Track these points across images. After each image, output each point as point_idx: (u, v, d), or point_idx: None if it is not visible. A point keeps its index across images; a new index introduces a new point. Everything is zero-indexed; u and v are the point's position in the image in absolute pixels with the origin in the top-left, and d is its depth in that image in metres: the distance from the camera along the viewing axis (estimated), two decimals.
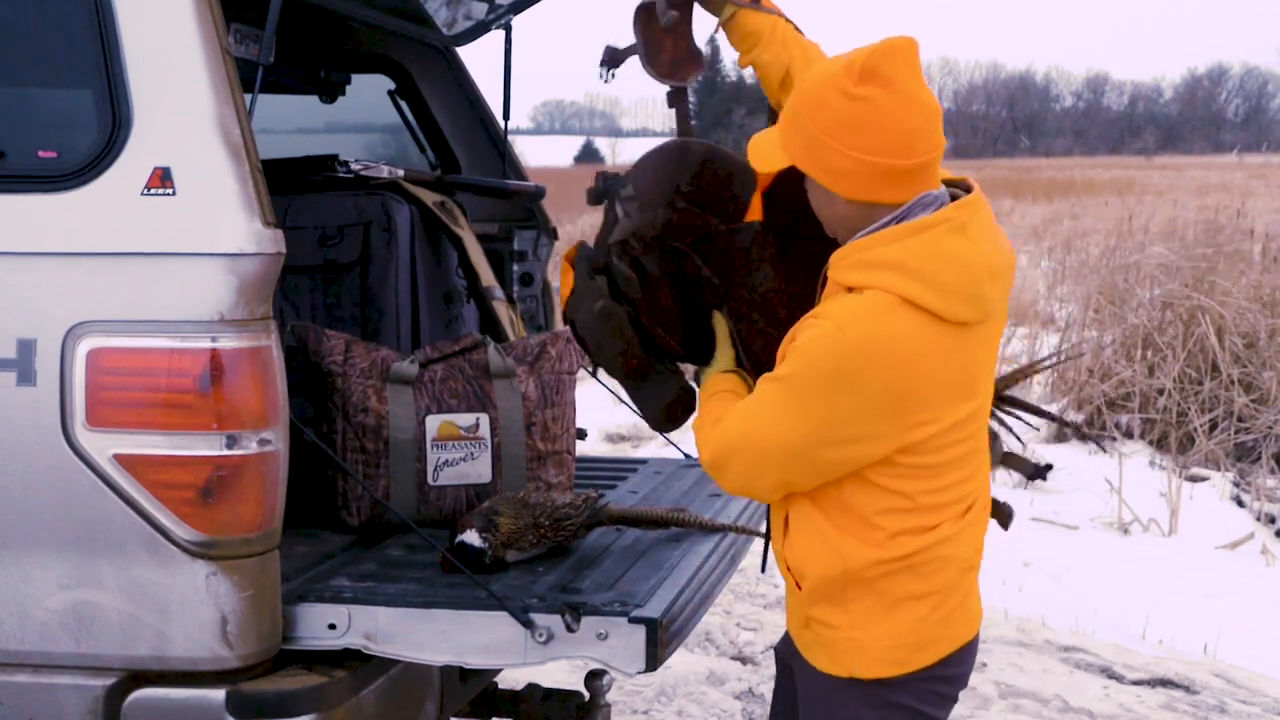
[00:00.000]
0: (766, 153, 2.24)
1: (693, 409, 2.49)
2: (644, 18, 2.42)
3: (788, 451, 2.17)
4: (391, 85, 4.03)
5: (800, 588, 2.27)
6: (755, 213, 2.45)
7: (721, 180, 2.42)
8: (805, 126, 2.14)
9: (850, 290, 2.16)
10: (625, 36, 2.57)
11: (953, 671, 2.28)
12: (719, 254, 2.43)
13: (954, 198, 2.20)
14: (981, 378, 2.22)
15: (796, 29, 2.59)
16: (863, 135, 2.08)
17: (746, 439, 2.20)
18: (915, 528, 2.19)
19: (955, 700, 2.32)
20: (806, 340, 2.13)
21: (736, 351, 2.43)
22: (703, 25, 2.53)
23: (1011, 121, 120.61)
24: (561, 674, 4.10)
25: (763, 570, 2.64)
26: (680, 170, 2.40)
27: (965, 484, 2.23)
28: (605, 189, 2.32)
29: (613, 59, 2.54)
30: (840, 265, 2.18)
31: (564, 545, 2.80)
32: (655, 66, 2.49)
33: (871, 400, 2.09)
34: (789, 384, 2.14)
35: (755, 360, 2.41)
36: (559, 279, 2.48)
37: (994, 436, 2.50)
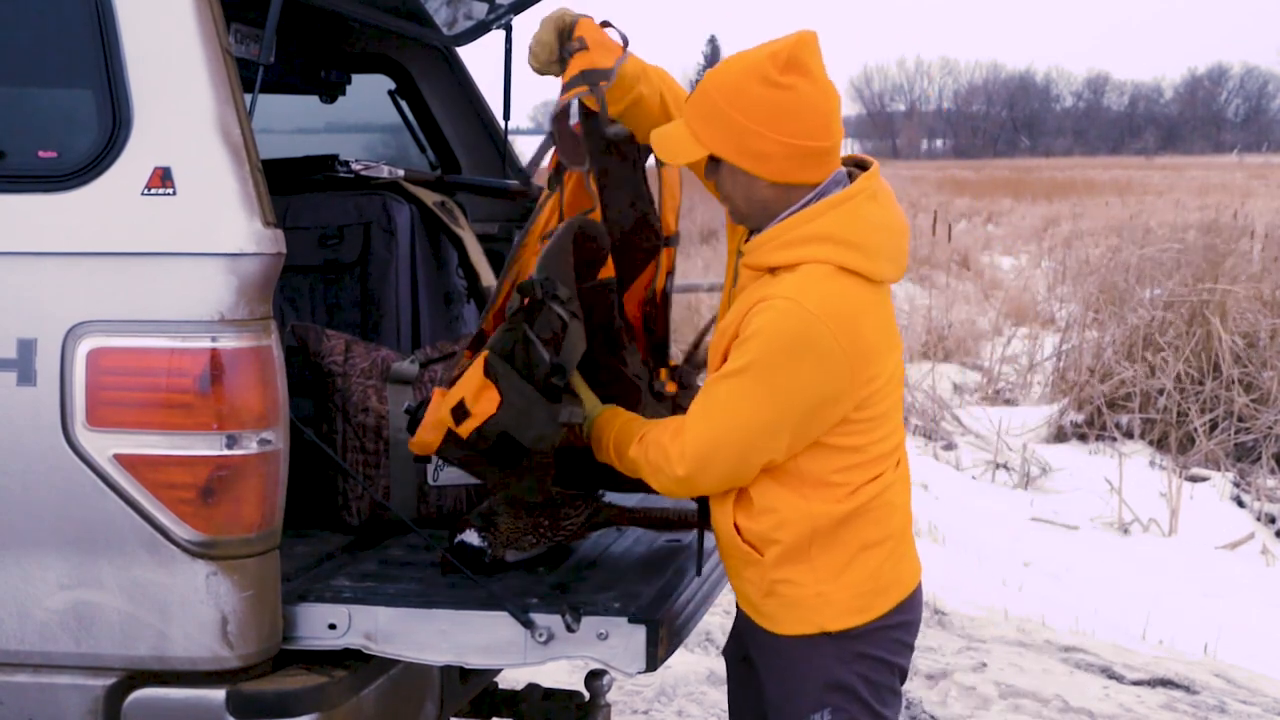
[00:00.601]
0: (677, 148, 2.37)
1: None
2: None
3: (767, 433, 2.27)
4: (391, 85, 4.03)
5: (764, 555, 2.34)
6: (609, 269, 2.68)
7: (589, 249, 2.61)
8: (726, 116, 2.28)
9: (774, 270, 2.30)
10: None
11: (908, 617, 2.43)
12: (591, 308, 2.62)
13: (850, 175, 2.37)
14: (895, 329, 2.41)
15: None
16: (788, 120, 2.26)
17: (721, 438, 2.28)
18: (867, 479, 2.34)
19: (912, 648, 2.47)
20: (764, 323, 2.23)
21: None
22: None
23: (1011, 121, 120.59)
24: (561, 674, 4.10)
25: (698, 573, 2.65)
26: (570, 249, 2.56)
27: (896, 433, 2.41)
28: (542, 297, 2.42)
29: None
30: (766, 248, 2.32)
31: (564, 545, 2.80)
32: (569, 157, 2.59)
33: (835, 363, 2.23)
34: (753, 370, 2.24)
35: (625, 394, 2.65)
36: (470, 388, 2.45)
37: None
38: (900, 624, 2.40)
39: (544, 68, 2.57)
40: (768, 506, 2.33)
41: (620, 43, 2.58)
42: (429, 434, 2.51)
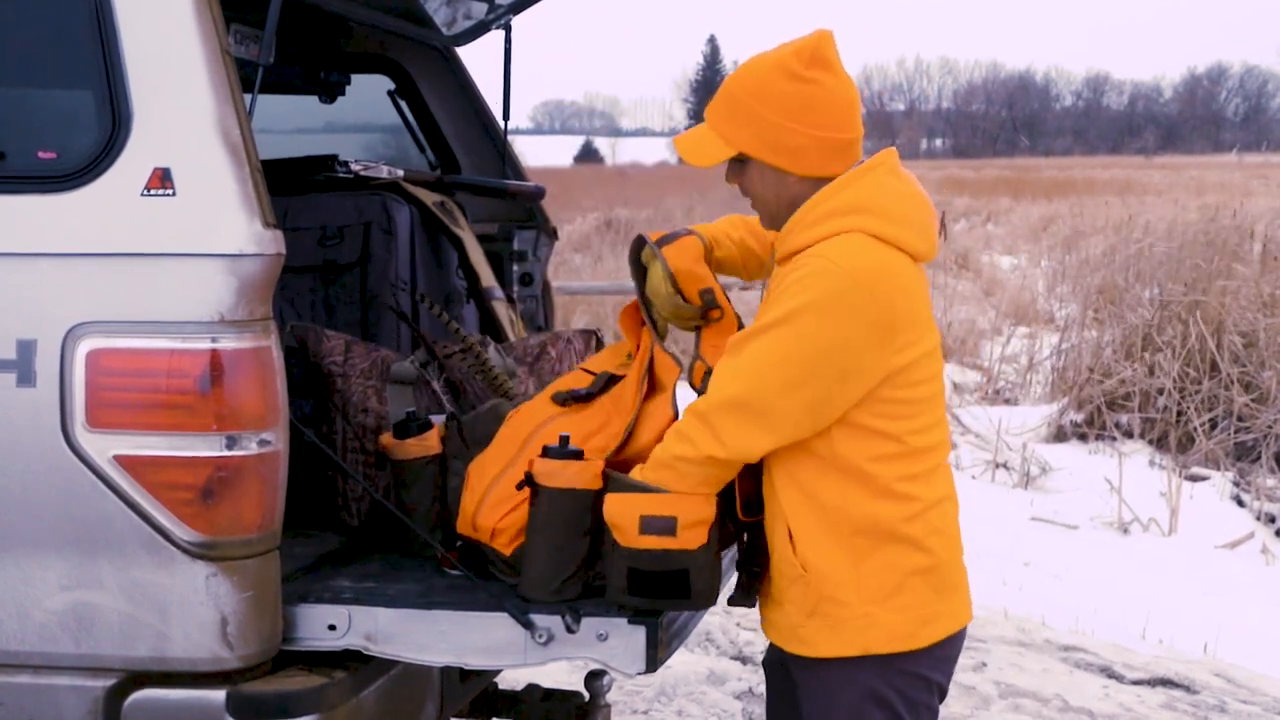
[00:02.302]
0: (703, 149, 2.38)
1: None
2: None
3: (794, 388, 2.21)
4: (391, 85, 4.03)
5: (808, 570, 2.30)
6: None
7: None
8: (754, 113, 2.31)
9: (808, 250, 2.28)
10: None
11: (952, 651, 2.39)
12: None
13: None
14: (930, 315, 2.38)
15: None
16: (815, 113, 2.30)
17: (749, 391, 2.23)
18: (904, 474, 2.29)
19: (953, 669, 2.43)
20: (796, 279, 2.22)
21: None
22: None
23: (1011, 121, 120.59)
24: (561, 674, 4.10)
25: (751, 604, 2.54)
26: None
27: (935, 432, 2.36)
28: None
29: None
30: (795, 230, 2.32)
31: None
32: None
33: (865, 324, 2.21)
34: (785, 323, 2.21)
35: None
36: (691, 511, 2.30)
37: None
38: (944, 657, 2.37)
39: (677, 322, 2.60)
40: (805, 528, 2.29)
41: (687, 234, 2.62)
42: (571, 478, 2.39)
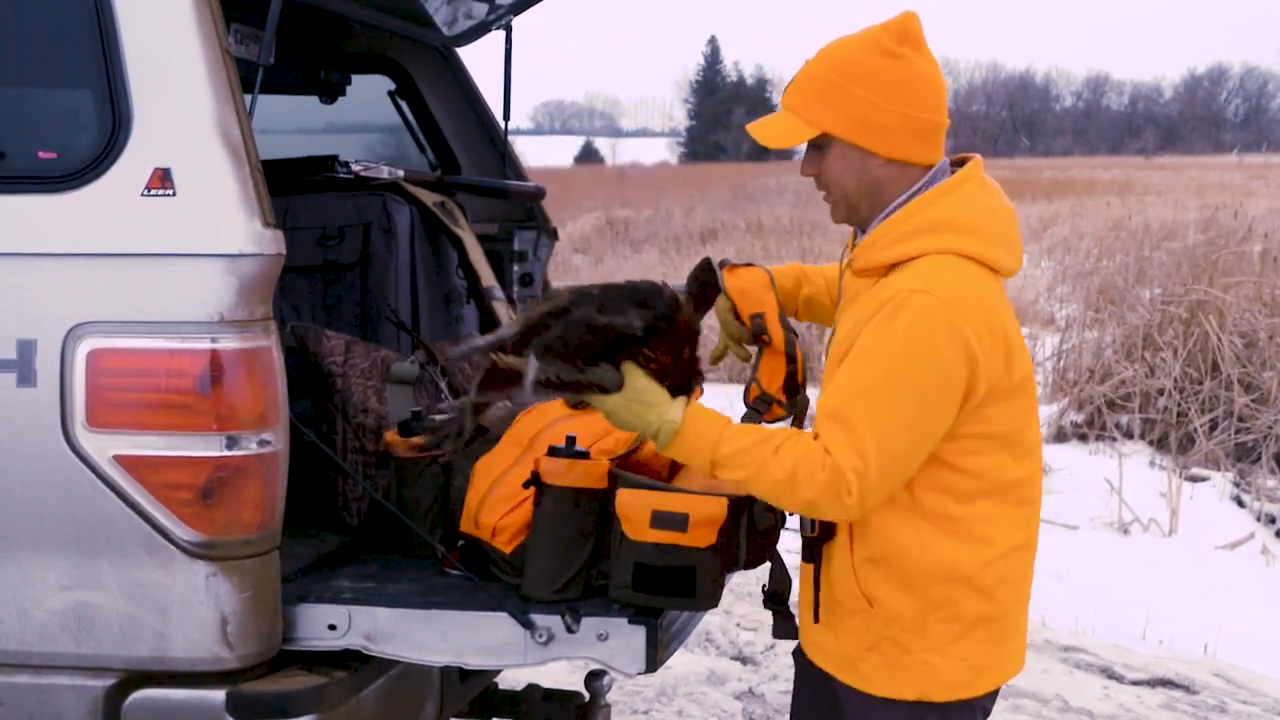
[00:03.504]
0: (783, 133, 2.26)
1: None
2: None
3: (927, 432, 2.13)
4: (391, 85, 4.03)
5: (873, 606, 2.23)
6: None
7: None
8: (842, 90, 2.20)
9: (893, 267, 2.20)
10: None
11: (991, 703, 2.34)
12: None
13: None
14: (1021, 339, 2.25)
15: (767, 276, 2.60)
16: (907, 91, 2.20)
17: (888, 447, 2.10)
18: (986, 514, 2.21)
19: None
20: (900, 323, 2.11)
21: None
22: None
23: (1011, 121, 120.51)
24: (561, 674, 4.10)
25: (816, 619, 2.40)
26: None
27: (1018, 467, 2.24)
28: None
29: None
30: (880, 244, 2.22)
31: None
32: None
33: (964, 355, 2.11)
34: (899, 372, 2.09)
35: None
36: (705, 509, 2.30)
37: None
38: (989, 697, 2.32)
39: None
40: (876, 549, 2.22)
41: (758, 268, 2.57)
42: (578, 478, 2.39)
